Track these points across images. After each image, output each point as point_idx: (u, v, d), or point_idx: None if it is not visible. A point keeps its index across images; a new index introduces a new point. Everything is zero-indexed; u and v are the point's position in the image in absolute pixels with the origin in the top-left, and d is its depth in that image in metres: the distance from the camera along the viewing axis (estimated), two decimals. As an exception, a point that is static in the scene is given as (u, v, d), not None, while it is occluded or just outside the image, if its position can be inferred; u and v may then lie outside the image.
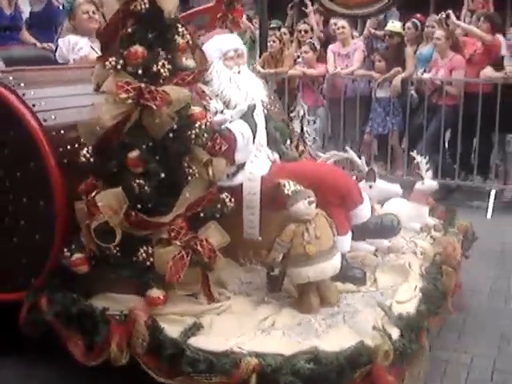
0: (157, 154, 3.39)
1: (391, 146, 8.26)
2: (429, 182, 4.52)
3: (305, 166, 4.08)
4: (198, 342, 3.20)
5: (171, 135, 3.39)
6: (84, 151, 3.42)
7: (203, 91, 3.80)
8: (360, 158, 4.29)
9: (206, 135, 3.47)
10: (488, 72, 7.55)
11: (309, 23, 8.91)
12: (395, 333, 3.24)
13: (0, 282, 3.80)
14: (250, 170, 3.88)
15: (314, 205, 3.47)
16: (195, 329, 3.30)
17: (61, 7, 5.22)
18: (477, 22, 8.14)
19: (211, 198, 3.58)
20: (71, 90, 3.94)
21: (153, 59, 3.39)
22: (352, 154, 4.30)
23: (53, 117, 3.66)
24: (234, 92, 3.94)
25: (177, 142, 3.42)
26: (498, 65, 7.56)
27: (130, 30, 3.43)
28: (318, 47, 8.40)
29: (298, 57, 8.52)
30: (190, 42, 3.56)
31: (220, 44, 4.02)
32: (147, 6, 3.37)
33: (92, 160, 3.42)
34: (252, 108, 3.91)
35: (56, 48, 4.78)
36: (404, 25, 8.58)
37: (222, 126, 3.80)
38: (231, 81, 3.96)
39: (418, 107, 8.17)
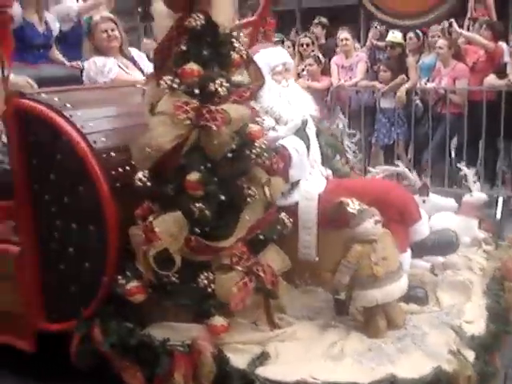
0: (215, 175, 3.25)
1: (397, 155, 8.19)
2: (477, 194, 4.38)
3: (361, 182, 3.93)
4: (266, 372, 3.07)
5: (230, 155, 3.26)
6: (140, 175, 3.24)
7: (253, 108, 3.64)
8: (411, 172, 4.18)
9: (265, 154, 3.33)
10: (491, 80, 7.52)
11: (310, 36, 8.80)
12: (470, 355, 3.13)
13: (46, 311, 3.64)
14: (305, 188, 3.74)
15: (380, 224, 3.35)
16: (263, 358, 3.17)
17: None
18: (479, 29, 8.13)
19: (271, 219, 3.44)
20: (117, 111, 3.79)
21: (209, 77, 3.24)
22: (404, 169, 4.18)
23: (103, 139, 3.48)
24: (284, 107, 3.80)
25: (236, 163, 3.28)
26: (502, 72, 7.53)
27: (183, 47, 3.28)
28: (323, 60, 8.30)
29: (303, 70, 8.38)
30: (245, 57, 3.42)
31: (268, 58, 3.86)
32: (202, 21, 3.23)
33: (148, 184, 3.24)
34: (304, 123, 3.79)
35: (82, 70, 4.59)
36: (405, 35, 8.52)
37: (277, 143, 3.67)
38: (281, 96, 3.82)
39: (422, 116, 8.11)
